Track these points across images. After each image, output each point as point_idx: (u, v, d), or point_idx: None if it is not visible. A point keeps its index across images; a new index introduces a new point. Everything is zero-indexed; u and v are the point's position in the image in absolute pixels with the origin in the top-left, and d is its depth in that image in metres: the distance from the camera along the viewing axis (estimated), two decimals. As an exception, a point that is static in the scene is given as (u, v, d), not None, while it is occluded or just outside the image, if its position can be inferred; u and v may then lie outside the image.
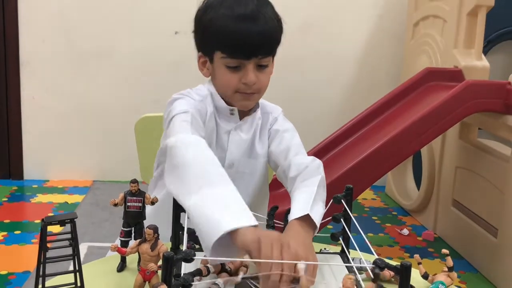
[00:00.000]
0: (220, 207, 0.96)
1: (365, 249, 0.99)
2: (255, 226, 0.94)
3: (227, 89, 1.28)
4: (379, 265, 0.79)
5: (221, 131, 1.32)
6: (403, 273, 0.74)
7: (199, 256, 0.97)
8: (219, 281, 0.93)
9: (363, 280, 1.05)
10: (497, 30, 3.42)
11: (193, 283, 0.89)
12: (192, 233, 1.09)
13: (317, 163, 1.25)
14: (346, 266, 1.05)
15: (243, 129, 1.33)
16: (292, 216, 1.09)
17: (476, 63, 2.79)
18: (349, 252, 1.08)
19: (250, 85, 1.24)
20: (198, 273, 0.90)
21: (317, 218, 1.10)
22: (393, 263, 0.82)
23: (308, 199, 1.13)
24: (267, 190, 1.47)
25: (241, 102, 1.29)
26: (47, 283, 0.87)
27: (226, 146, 1.32)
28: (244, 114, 1.34)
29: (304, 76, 3.81)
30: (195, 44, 1.33)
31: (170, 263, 0.74)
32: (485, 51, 3.19)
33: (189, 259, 0.80)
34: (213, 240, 0.90)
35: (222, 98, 1.31)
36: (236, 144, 1.33)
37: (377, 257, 0.82)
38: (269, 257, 0.88)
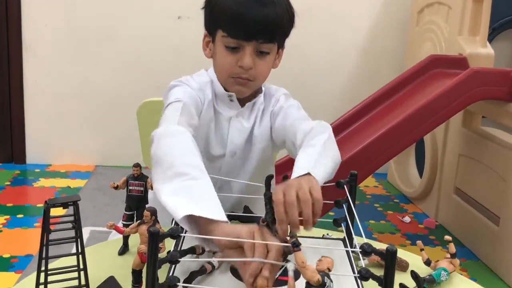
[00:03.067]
0: (192, 198, 0.94)
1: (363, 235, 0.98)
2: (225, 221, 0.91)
3: (223, 71, 1.25)
4: (365, 249, 0.78)
5: (222, 119, 1.29)
6: (388, 258, 0.74)
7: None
8: (214, 260, 0.93)
9: (365, 265, 1.05)
10: (502, 18, 3.40)
11: (188, 260, 0.89)
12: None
13: (323, 123, 1.23)
14: (347, 251, 1.05)
15: (244, 116, 1.31)
16: (293, 176, 1.03)
17: (480, 51, 2.77)
18: (352, 238, 1.08)
19: (246, 69, 1.21)
20: (191, 251, 0.90)
21: (321, 175, 1.05)
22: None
23: (310, 157, 1.08)
24: (271, 171, 1.43)
25: (236, 87, 1.26)
26: (50, 266, 0.87)
27: (226, 134, 1.30)
28: (245, 100, 1.31)
29: (306, 63, 3.79)
30: (204, 22, 1.29)
31: (155, 239, 0.74)
32: (490, 39, 3.17)
33: (175, 236, 0.80)
34: (181, 215, 0.88)
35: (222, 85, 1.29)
36: (237, 132, 1.30)
37: (365, 241, 0.82)
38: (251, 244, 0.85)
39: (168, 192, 0.95)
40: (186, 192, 0.95)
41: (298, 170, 1.04)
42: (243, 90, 1.27)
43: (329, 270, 0.78)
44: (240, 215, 1.19)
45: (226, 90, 1.29)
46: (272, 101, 1.34)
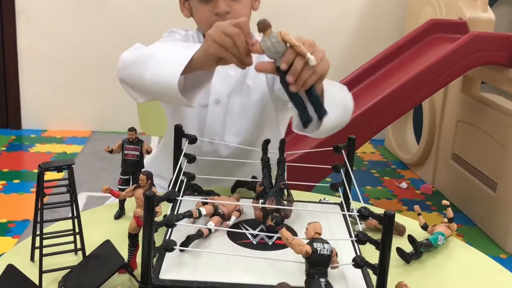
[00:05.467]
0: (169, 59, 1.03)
1: (359, 201, 0.98)
2: None
3: (203, 25, 1.27)
4: (363, 213, 0.78)
5: None
6: (386, 222, 0.73)
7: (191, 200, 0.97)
8: (211, 224, 0.93)
9: (362, 229, 1.05)
10: (504, -18, 3.35)
11: (184, 224, 0.88)
12: (191, 178, 1.08)
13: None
14: (344, 216, 1.04)
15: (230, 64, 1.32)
16: None
17: (481, 15, 2.73)
18: (349, 203, 1.07)
19: (222, 14, 1.21)
20: (188, 215, 0.90)
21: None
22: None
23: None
24: (276, 132, 1.39)
25: None
26: (45, 230, 0.86)
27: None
28: None
29: (304, 27, 3.73)
30: None
31: (152, 203, 0.73)
32: (491, 3, 3.12)
33: (171, 199, 0.79)
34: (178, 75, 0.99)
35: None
36: (221, 79, 1.29)
37: (363, 205, 0.81)
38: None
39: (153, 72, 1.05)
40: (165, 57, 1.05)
41: None
42: None
43: (319, 234, 0.77)
44: (246, 181, 1.18)
45: None
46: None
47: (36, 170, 0.87)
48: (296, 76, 0.91)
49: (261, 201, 1.00)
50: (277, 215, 0.92)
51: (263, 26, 0.90)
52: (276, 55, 0.91)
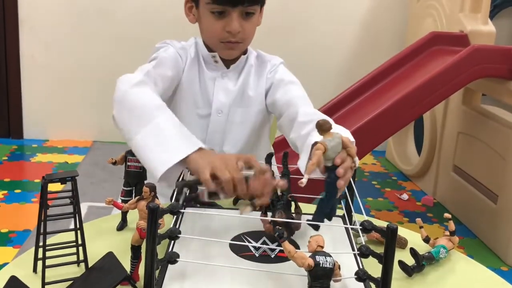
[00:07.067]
0: (160, 144, 1.03)
1: (361, 213, 0.98)
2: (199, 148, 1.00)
3: (211, 38, 1.27)
4: (366, 227, 0.78)
5: (206, 79, 1.32)
6: (388, 235, 0.74)
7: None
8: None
9: (364, 242, 1.05)
10: (504, -5, 3.37)
11: (188, 236, 0.89)
12: (194, 185, 1.08)
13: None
14: (346, 228, 1.04)
15: (231, 77, 1.33)
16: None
17: (482, 28, 2.75)
18: (351, 215, 1.07)
19: (234, 33, 1.23)
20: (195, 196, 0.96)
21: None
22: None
23: None
24: (267, 143, 1.45)
25: (225, 51, 1.29)
26: (48, 241, 0.86)
27: (211, 92, 1.31)
28: (229, 61, 1.33)
29: (306, 39, 3.75)
30: None
31: (155, 215, 0.74)
32: (492, 16, 3.14)
33: (175, 212, 0.80)
34: (158, 177, 0.99)
35: (207, 46, 1.31)
36: (223, 92, 1.32)
37: (365, 218, 0.81)
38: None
39: (139, 143, 1.06)
40: (156, 138, 1.04)
41: None
42: (233, 53, 1.30)
43: (321, 247, 0.77)
44: None
45: (210, 51, 1.31)
46: (267, 66, 1.35)
47: (37, 180, 0.87)
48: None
49: (269, 214, 1.00)
50: (280, 228, 0.92)
51: (327, 128, 0.89)
52: (333, 154, 0.89)
